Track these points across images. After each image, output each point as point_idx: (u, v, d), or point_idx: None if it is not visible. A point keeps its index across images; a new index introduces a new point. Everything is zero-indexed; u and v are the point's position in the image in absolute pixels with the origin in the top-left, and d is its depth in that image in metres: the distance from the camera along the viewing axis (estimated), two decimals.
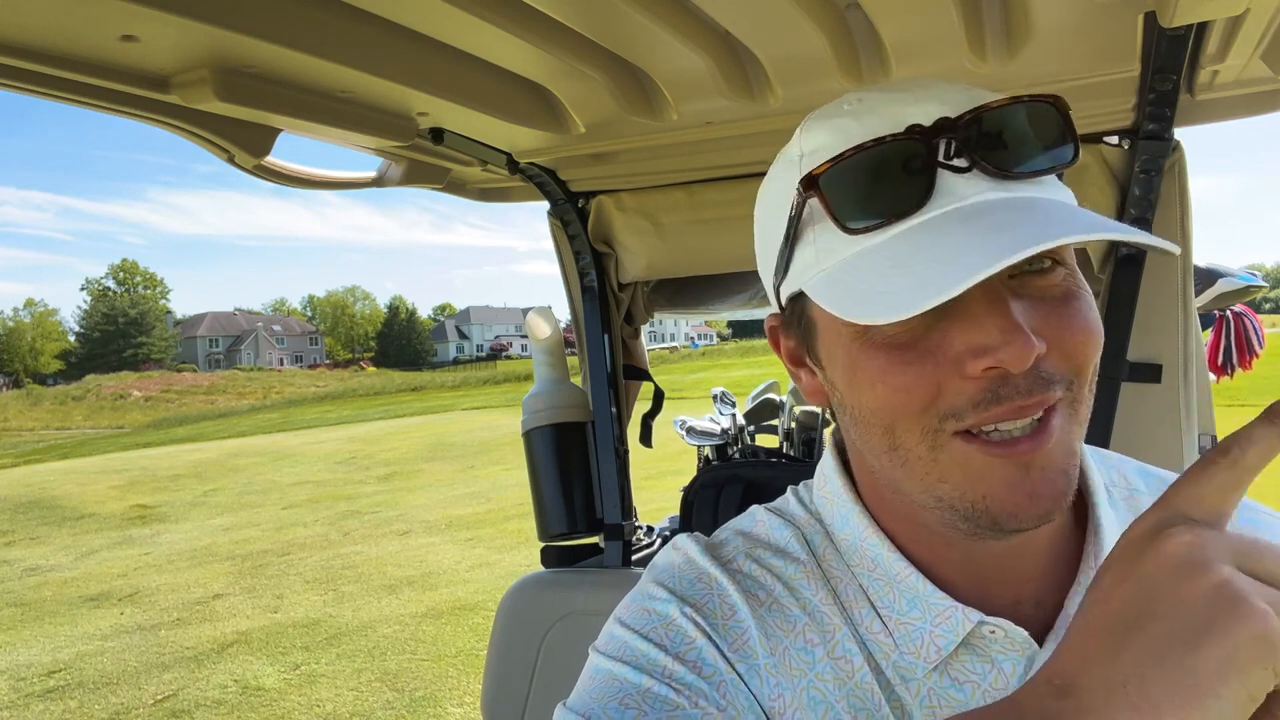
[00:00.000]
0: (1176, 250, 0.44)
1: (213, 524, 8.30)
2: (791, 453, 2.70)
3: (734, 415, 3.45)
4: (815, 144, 0.50)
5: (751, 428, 3.43)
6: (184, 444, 17.45)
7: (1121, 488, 0.58)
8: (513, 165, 1.38)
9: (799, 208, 0.50)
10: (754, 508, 0.62)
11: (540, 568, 1.61)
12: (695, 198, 1.48)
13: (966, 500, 0.46)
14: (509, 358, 74.89)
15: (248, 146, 1.01)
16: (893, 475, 0.50)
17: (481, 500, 8.47)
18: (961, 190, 0.45)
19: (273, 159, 1.08)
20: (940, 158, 0.46)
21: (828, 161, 0.47)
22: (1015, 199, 0.45)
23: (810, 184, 0.48)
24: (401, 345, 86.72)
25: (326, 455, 13.18)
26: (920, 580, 0.52)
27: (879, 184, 0.46)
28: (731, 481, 1.81)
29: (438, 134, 1.16)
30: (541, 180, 1.46)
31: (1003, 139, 0.46)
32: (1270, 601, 0.34)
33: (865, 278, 0.46)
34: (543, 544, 1.64)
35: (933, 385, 0.46)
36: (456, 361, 78.67)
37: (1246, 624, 0.33)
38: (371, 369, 69.24)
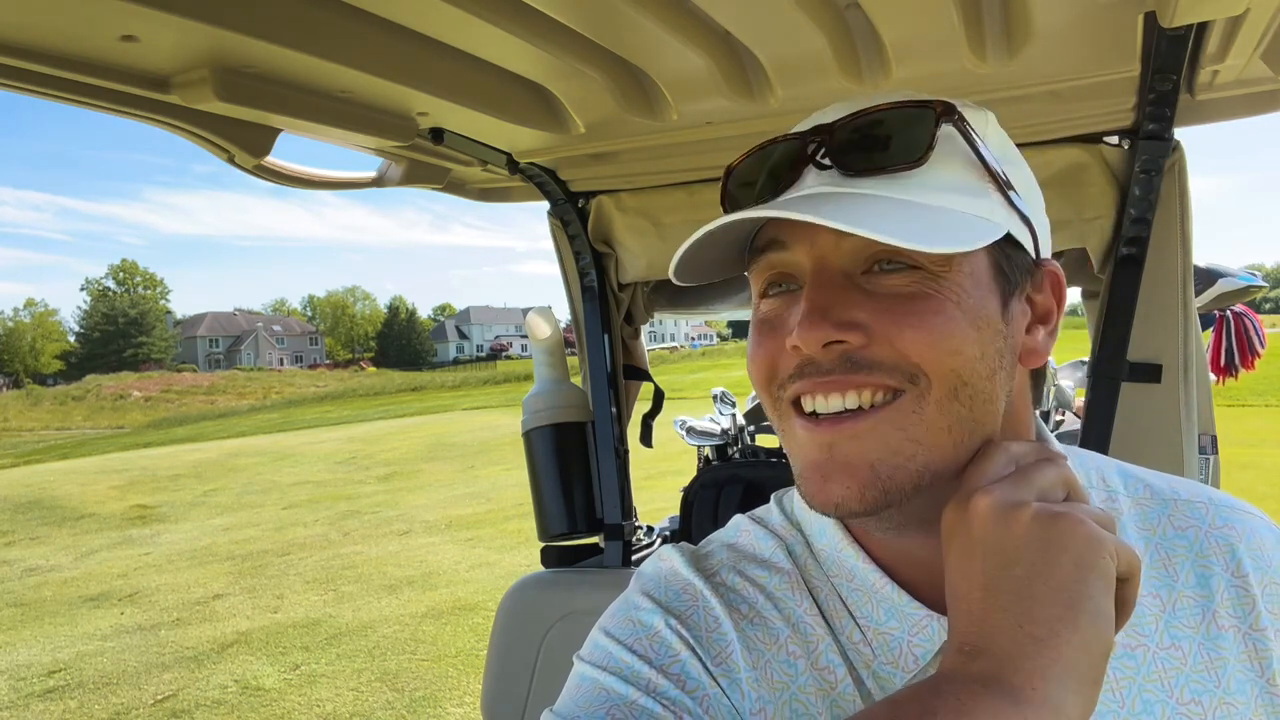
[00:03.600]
0: (938, 250, 0.45)
1: (213, 524, 8.30)
2: None
3: (734, 415, 3.46)
4: None
5: (751, 428, 3.43)
6: (184, 444, 17.44)
7: (1099, 490, 0.58)
8: (513, 165, 1.38)
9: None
10: (738, 517, 0.63)
11: (540, 568, 1.61)
12: (695, 198, 1.48)
13: (796, 476, 0.51)
14: (509, 358, 74.84)
15: (248, 146, 1.01)
16: None
17: (481, 500, 8.47)
18: (811, 183, 0.51)
19: (273, 159, 1.08)
20: (817, 157, 0.51)
21: (741, 156, 0.55)
22: (848, 193, 0.49)
23: (725, 176, 0.56)
24: (401, 345, 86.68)
25: (326, 455, 13.18)
26: (895, 590, 0.52)
27: (762, 177, 0.53)
28: (731, 482, 1.81)
29: (438, 134, 1.16)
30: (541, 180, 1.46)
31: (866, 141, 0.50)
32: (1075, 508, 0.43)
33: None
34: (543, 544, 1.64)
35: (770, 356, 0.51)
36: (456, 362, 78.63)
37: (1072, 533, 0.42)
38: (371, 369, 69.22)
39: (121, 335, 71.17)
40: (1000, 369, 0.49)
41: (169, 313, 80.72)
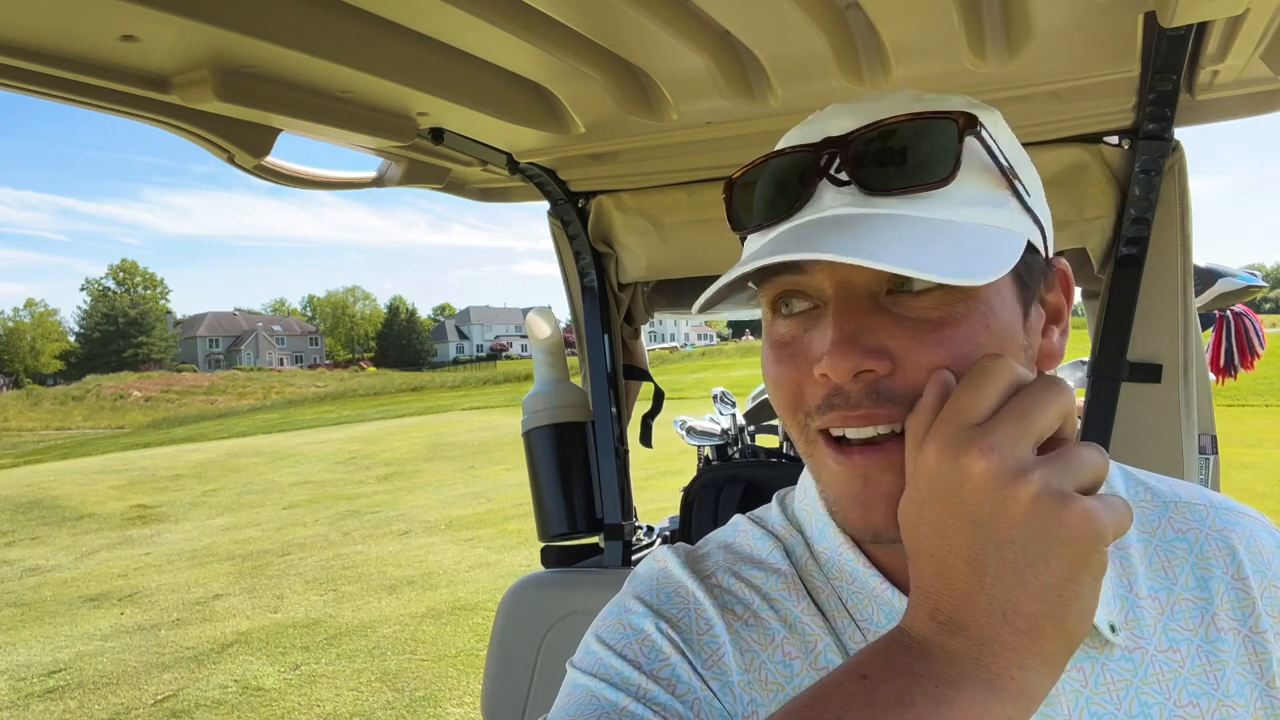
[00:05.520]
0: (958, 281, 0.43)
1: (213, 524, 8.30)
2: (791, 453, 2.70)
3: (734, 415, 3.45)
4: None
5: (751, 428, 3.43)
6: (184, 444, 17.44)
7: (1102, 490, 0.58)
8: (513, 165, 1.38)
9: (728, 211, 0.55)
10: (737, 517, 0.63)
11: (540, 568, 1.61)
12: (695, 198, 1.48)
13: (829, 502, 0.50)
14: (509, 358, 74.83)
15: (248, 146, 1.01)
16: None
17: (481, 500, 8.46)
18: (828, 202, 0.48)
19: (272, 159, 1.08)
20: (831, 171, 0.48)
21: (744, 167, 0.52)
22: (870, 215, 0.46)
23: (728, 188, 0.54)
24: (401, 345, 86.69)
25: (326, 455, 13.17)
26: (895, 595, 0.52)
27: (771, 191, 0.50)
28: (732, 482, 1.81)
29: (438, 134, 1.16)
30: (541, 180, 1.46)
31: (884, 156, 0.47)
32: (1079, 487, 0.39)
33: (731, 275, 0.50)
34: (542, 544, 1.64)
35: (795, 383, 0.49)
36: (456, 362, 78.63)
37: (1075, 528, 0.38)
38: (371, 369, 69.24)
39: (121, 335, 71.18)
40: None
41: (169, 313, 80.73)
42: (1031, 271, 0.51)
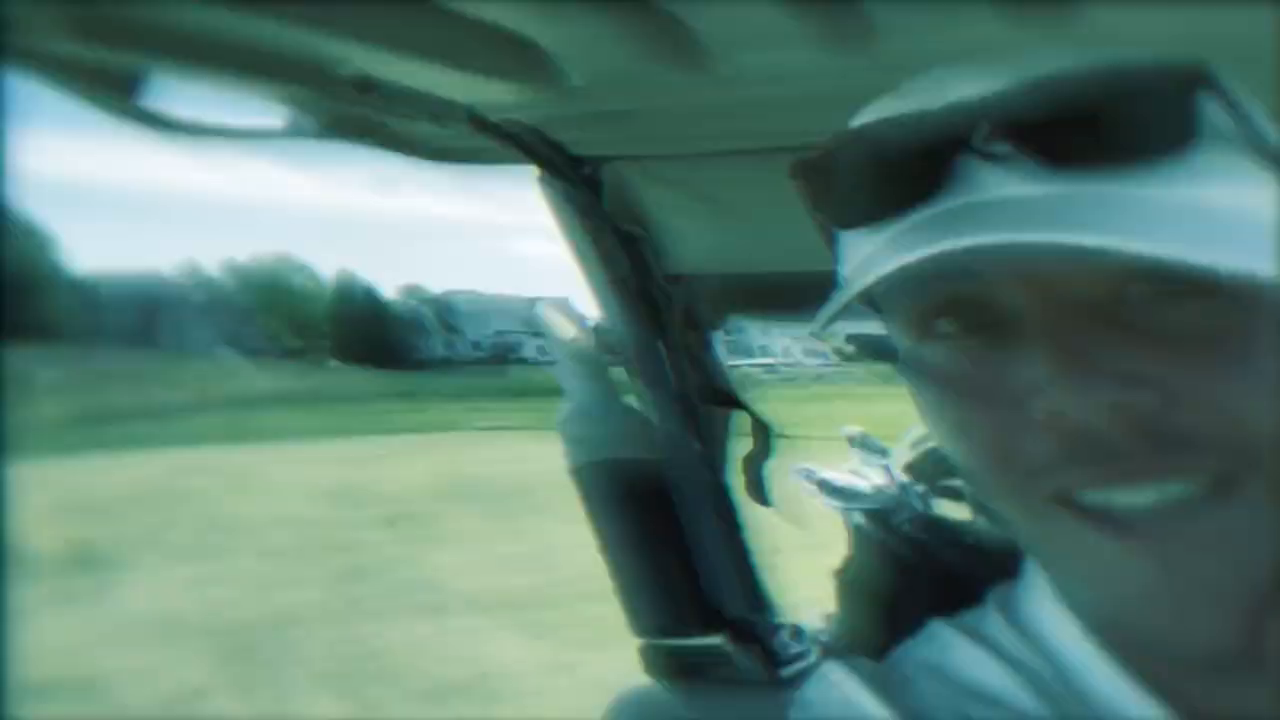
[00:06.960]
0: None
1: (174, 575, 8.67)
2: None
3: (886, 467, 3.37)
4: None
5: (920, 487, 3.34)
6: (115, 450, 17.83)
7: None
8: (478, 122, 1.34)
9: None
10: (937, 625, 0.63)
11: (644, 677, 1.57)
12: (763, 172, 1.42)
13: (1097, 607, 0.51)
14: (522, 360, 76.23)
15: (118, 91, 1.03)
16: None
17: (535, 565, 8.40)
18: (990, 182, 0.48)
19: (146, 103, 1.10)
20: (974, 143, 0.47)
21: (827, 146, 0.53)
22: (1061, 194, 0.46)
23: (801, 172, 0.55)
24: (368, 336, 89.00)
25: (305, 482, 13.53)
26: None
27: (880, 174, 0.50)
28: (912, 567, 1.74)
29: (364, 85, 1.14)
30: (524, 142, 1.43)
31: (1074, 122, 0.46)
32: None
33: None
34: (641, 643, 1.60)
35: (999, 431, 0.49)
36: (448, 361, 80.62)
37: None
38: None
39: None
40: None
41: (62, 271, 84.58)
42: None
